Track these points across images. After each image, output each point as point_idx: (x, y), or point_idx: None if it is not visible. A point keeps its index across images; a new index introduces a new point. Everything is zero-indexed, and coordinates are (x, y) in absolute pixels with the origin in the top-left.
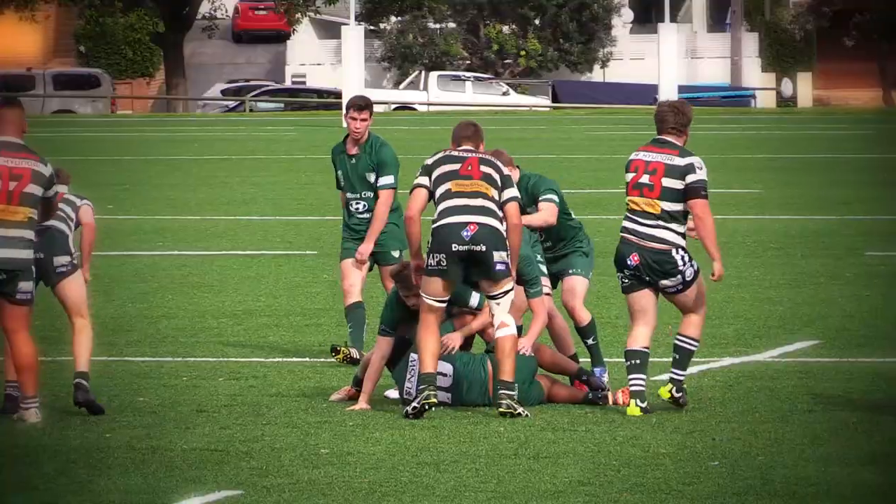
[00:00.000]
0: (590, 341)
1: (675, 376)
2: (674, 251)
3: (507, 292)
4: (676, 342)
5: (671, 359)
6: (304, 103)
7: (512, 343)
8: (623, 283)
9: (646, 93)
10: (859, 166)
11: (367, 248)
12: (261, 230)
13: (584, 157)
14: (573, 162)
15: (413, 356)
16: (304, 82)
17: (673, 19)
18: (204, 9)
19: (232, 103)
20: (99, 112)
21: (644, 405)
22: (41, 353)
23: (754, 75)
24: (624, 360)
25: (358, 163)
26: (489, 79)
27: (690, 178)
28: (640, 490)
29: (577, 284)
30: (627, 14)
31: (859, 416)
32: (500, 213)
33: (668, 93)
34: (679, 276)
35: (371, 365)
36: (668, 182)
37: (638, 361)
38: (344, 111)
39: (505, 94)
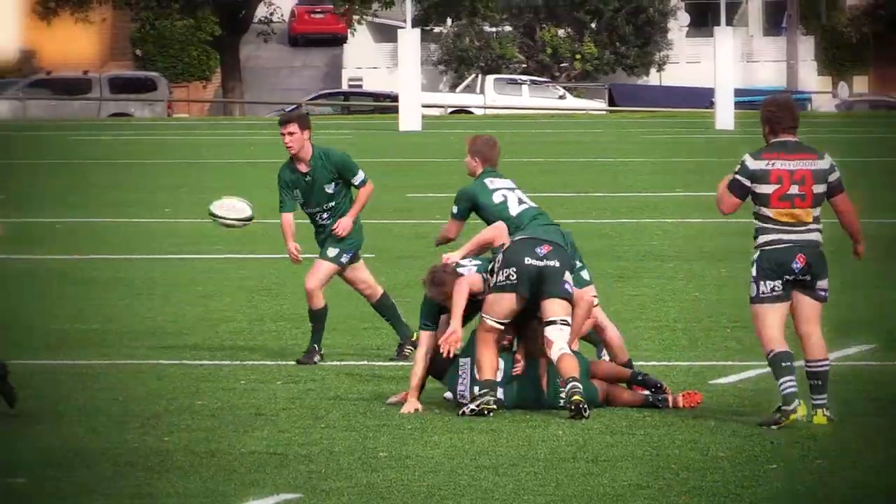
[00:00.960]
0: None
1: (821, 401)
2: (824, 251)
3: (565, 321)
4: (813, 369)
5: (810, 386)
6: (360, 107)
7: (573, 361)
8: (774, 292)
9: (702, 96)
10: None
11: (347, 222)
12: None
13: (640, 161)
14: (629, 165)
15: (462, 360)
16: (360, 86)
17: (729, 23)
18: (260, 12)
19: (288, 107)
20: (155, 115)
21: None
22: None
23: (810, 79)
24: (774, 362)
25: (314, 177)
26: (546, 82)
27: (833, 178)
28: (699, 493)
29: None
30: (683, 17)
31: None
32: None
33: (724, 96)
34: (827, 280)
35: (416, 362)
36: (817, 188)
37: (791, 364)
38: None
39: (561, 97)
